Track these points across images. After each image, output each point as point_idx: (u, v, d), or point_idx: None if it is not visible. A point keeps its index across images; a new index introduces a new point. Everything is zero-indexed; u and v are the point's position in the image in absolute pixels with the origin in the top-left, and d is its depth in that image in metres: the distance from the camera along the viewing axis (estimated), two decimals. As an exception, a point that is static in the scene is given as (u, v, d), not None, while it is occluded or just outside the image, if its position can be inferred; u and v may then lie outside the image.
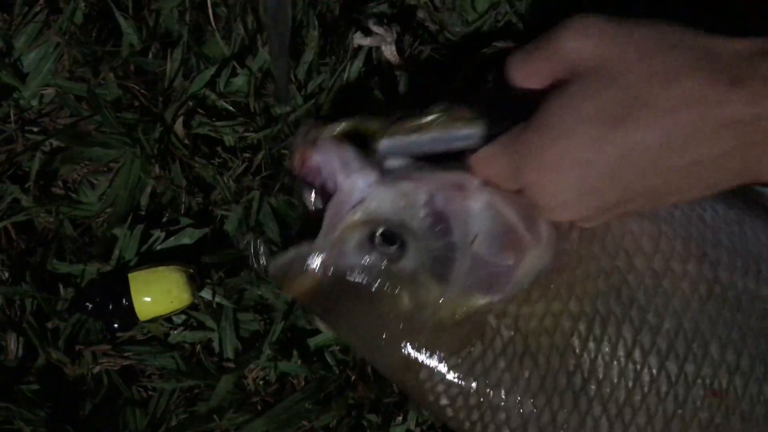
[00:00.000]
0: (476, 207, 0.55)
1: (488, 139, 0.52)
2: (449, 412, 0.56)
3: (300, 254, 0.54)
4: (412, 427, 0.64)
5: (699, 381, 0.56)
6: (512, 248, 0.55)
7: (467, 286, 0.55)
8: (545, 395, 0.56)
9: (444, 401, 0.56)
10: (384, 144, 0.54)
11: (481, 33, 0.73)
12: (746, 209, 0.62)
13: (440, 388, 0.56)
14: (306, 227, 0.56)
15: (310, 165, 0.55)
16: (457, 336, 0.55)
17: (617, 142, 0.46)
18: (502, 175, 0.52)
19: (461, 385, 0.56)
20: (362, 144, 0.56)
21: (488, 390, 0.55)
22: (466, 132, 0.54)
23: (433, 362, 0.55)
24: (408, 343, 0.55)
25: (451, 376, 0.56)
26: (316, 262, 0.54)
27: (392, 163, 0.56)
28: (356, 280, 0.55)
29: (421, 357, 0.55)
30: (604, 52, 0.47)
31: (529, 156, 0.49)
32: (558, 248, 0.56)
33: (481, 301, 0.55)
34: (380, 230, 0.55)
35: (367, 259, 0.55)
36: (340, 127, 0.55)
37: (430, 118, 0.54)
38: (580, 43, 0.47)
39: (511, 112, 0.52)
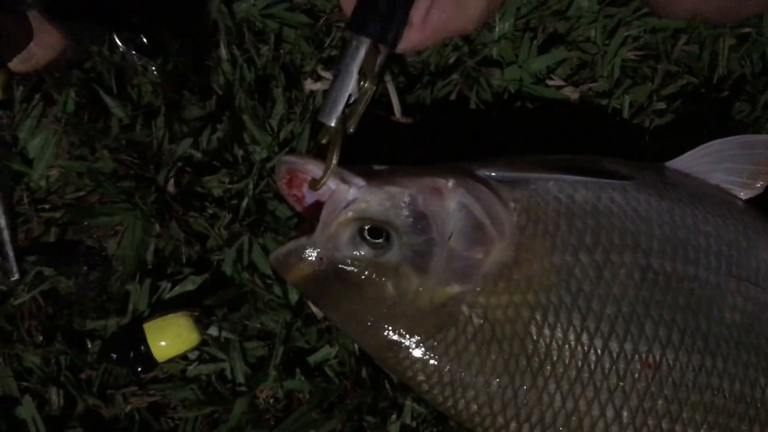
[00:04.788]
0: (451, 207, 0.64)
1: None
2: (425, 387, 0.65)
3: (299, 245, 0.63)
4: (408, 420, 0.73)
5: (636, 356, 0.63)
6: (482, 243, 0.63)
7: (444, 277, 0.63)
8: (508, 375, 0.63)
9: (421, 377, 0.64)
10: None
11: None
12: (676, 198, 0.69)
13: (418, 366, 0.64)
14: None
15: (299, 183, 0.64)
16: (433, 322, 0.63)
17: None
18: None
19: (436, 364, 0.63)
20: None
21: (460, 370, 0.63)
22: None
23: (412, 344, 0.63)
24: (390, 326, 0.63)
25: (427, 356, 0.63)
26: (312, 252, 0.63)
27: (377, 167, 0.65)
28: (347, 270, 0.63)
29: (402, 339, 0.63)
30: None
31: None
32: (518, 243, 0.64)
33: (456, 289, 0.63)
34: (368, 226, 0.63)
35: (356, 252, 0.63)
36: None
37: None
38: None
39: None
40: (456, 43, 0.87)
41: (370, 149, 0.71)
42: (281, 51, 0.82)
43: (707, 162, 0.74)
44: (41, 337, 0.70)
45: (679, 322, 0.65)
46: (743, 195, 0.74)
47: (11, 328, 0.70)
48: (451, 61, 0.87)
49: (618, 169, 0.70)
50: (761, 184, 0.74)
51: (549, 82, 0.87)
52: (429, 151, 0.80)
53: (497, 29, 0.88)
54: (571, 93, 0.88)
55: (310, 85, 0.78)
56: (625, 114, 0.87)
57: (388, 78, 0.73)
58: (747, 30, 0.94)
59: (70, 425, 0.69)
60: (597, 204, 0.67)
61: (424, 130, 0.81)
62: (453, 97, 0.85)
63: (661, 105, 0.88)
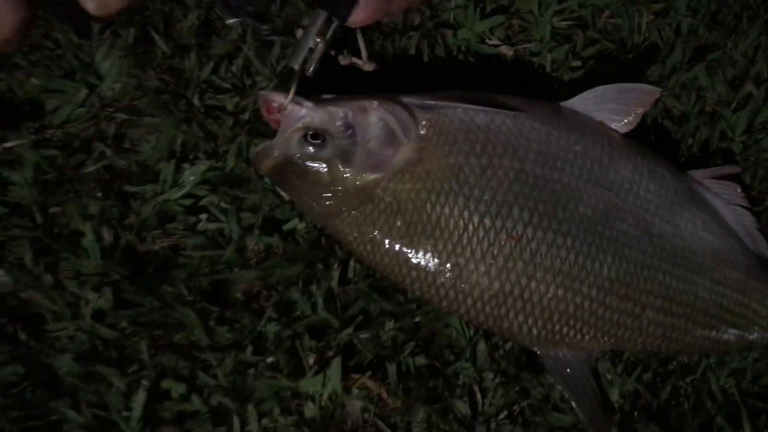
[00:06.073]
0: (373, 120, 0.90)
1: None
2: (354, 245, 0.92)
3: (265, 146, 0.91)
4: (351, 275, 1.02)
5: (503, 230, 0.89)
6: (392, 145, 0.89)
7: (363, 167, 0.88)
8: (409, 237, 0.90)
9: (350, 238, 0.92)
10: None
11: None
12: (557, 125, 0.94)
13: (348, 230, 0.91)
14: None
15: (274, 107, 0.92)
16: (357, 199, 0.89)
17: None
18: None
19: (359, 229, 0.91)
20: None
21: (375, 232, 0.90)
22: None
23: (343, 214, 0.91)
24: (328, 202, 0.91)
25: (353, 223, 0.91)
26: (273, 151, 0.91)
27: (326, 96, 0.93)
28: (296, 162, 0.89)
29: (336, 211, 0.91)
30: None
31: None
32: (422, 147, 0.91)
33: (371, 177, 0.89)
34: (311, 132, 0.89)
35: (303, 149, 0.89)
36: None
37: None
38: None
39: None
40: (421, 10, 1.15)
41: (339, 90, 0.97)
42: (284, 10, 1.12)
43: (594, 102, 0.98)
44: (100, 194, 1.02)
45: (540, 210, 0.90)
46: (621, 129, 0.99)
47: (81, 187, 1.02)
48: (416, 22, 1.15)
49: (520, 104, 0.95)
50: (631, 120, 0.99)
51: (488, 42, 1.15)
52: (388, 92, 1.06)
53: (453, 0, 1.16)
54: (507, 51, 1.15)
55: (300, 34, 1.07)
56: (548, 69, 1.14)
57: (358, 31, 1.01)
58: (660, 6, 1.19)
59: (116, 255, 1.01)
60: (490, 125, 0.92)
61: (386, 77, 1.08)
62: (412, 51, 1.13)
63: (577, 63, 1.14)
